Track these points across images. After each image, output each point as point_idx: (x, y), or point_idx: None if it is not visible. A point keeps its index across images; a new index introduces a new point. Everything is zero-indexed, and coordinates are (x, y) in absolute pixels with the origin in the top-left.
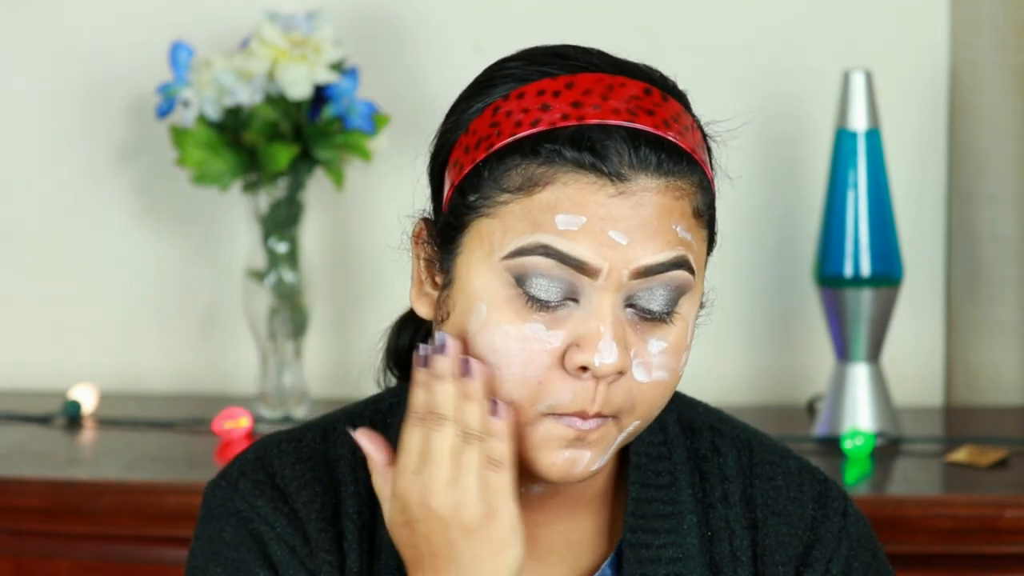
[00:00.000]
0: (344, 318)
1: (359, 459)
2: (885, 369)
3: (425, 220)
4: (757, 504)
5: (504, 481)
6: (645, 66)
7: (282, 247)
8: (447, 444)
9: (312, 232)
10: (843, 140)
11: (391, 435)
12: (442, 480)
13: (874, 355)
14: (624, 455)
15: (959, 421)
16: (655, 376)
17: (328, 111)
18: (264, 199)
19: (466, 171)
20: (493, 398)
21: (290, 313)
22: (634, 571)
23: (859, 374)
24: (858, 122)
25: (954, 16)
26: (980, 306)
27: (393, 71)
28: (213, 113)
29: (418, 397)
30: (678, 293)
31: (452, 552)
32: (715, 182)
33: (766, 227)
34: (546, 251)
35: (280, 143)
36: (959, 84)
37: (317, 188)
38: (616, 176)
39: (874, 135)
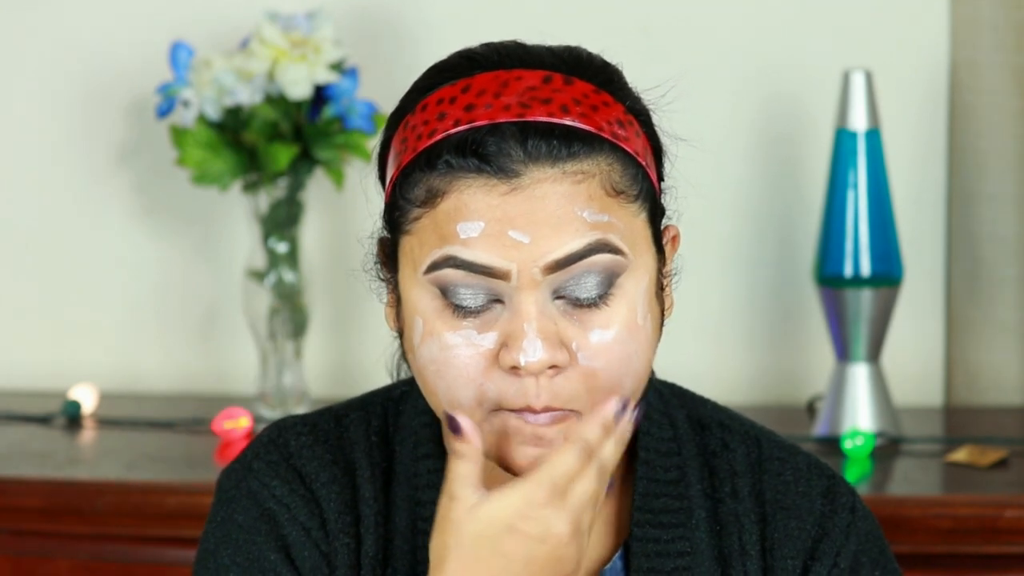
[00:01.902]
0: (344, 318)
1: (373, 444)
2: (885, 369)
3: (381, 240)
4: (766, 499)
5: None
6: (563, 49)
7: (282, 247)
8: (596, 494)
9: (312, 232)
10: (843, 140)
11: (403, 423)
12: (583, 523)
13: (874, 355)
14: (634, 451)
15: (959, 421)
16: (607, 361)
17: (328, 111)
18: (264, 199)
19: (388, 190)
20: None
21: (290, 313)
22: (642, 564)
23: (859, 374)
24: (858, 122)
25: (954, 16)
26: (980, 306)
27: (393, 71)
28: (213, 113)
29: (598, 436)
30: (610, 275)
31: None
32: (654, 152)
33: (766, 227)
34: (454, 263)
35: (280, 143)
36: (959, 84)
37: (317, 188)
38: (506, 173)
39: (874, 135)
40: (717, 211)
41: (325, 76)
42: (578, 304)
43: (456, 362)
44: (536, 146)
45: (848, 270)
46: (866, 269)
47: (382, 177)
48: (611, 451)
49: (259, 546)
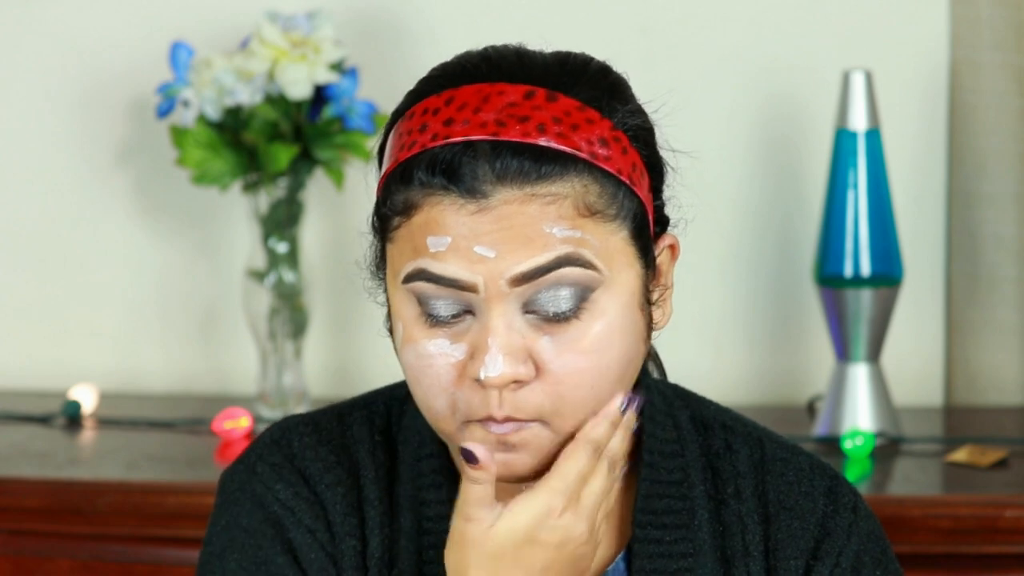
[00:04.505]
0: (344, 318)
1: (377, 443)
2: (885, 369)
3: (372, 242)
4: (769, 499)
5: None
6: (559, 57)
7: (282, 247)
8: (606, 490)
9: (312, 232)
10: (843, 140)
11: (406, 422)
12: (597, 520)
13: (874, 355)
14: (637, 452)
15: (959, 421)
16: (575, 375)
17: (328, 111)
18: (264, 199)
19: (377, 194)
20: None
21: (290, 313)
22: (644, 565)
23: (859, 374)
24: (858, 122)
25: (954, 16)
26: (980, 306)
27: (393, 71)
28: (213, 113)
29: (606, 433)
30: (583, 289)
31: None
32: (649, 168)
33: (766, 227)
34: (426, 276)
35: (280, 143)
36: (959, 84)
37: (317, 188)
38: (474, 194)
39: (874, 135)
40: (717, 211)
41: (325, 76)
42: (549, 319)
43: (430, 371)
44: (506, 167)
45: (848, 270)
46: (866, 269)
47: None
48: (618, 443)
49: (265, 550)
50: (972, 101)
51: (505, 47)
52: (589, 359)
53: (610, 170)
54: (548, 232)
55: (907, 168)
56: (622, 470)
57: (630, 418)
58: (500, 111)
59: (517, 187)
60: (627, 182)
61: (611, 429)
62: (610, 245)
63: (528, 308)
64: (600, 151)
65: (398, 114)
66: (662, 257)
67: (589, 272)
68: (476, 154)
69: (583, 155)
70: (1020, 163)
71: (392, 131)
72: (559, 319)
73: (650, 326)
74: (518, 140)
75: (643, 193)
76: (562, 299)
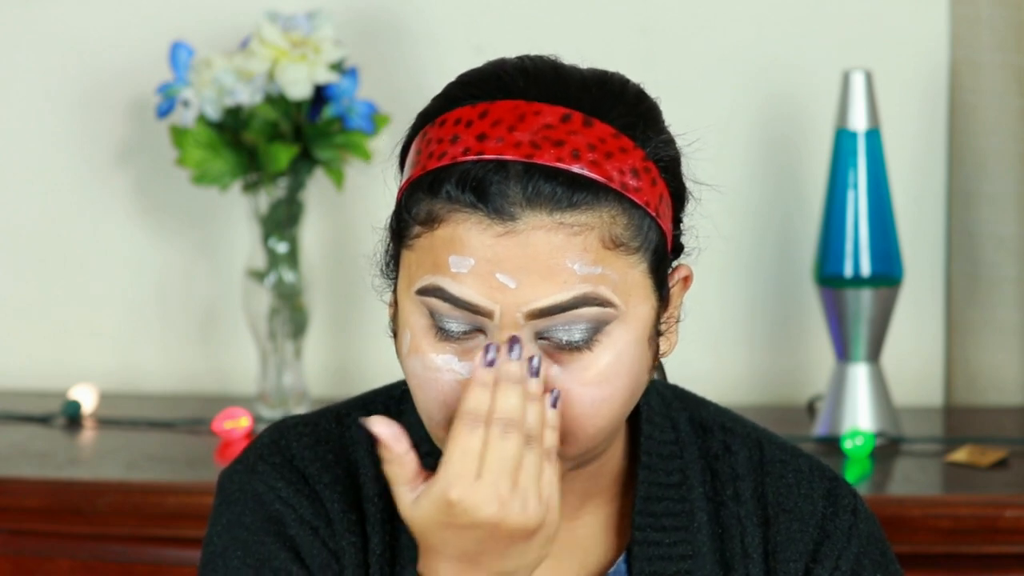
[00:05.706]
0: (344, 318)
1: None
2: (885, 369)
3: (386, 242)
4: (768, 501)
5: (556, 473)
6: (596, 77)
7: (282, 247)
8: (512, 451)
9: (312, 232)
10: (843, 140)
11: (404, 421)
12: (507, 489)
13: (874, 355)
14: (635, 454)
15: (959, 421)
16: (579, 405)
17: (328, 111)
18: (264, 199)
19: (398, 197)
20: (552, 388)
21: (290, 313)
22: (643, 568)
23: (859, 374)
24: (858, 122)
25: (954, 16)
26: (980, 306)
27: (393, 71)
28: (213, 113)
29: (479, 399)
30: (597, 323)
31: (507, 552)
32: (674, 197)
33: (766, 227)
34: (441, 294)
35: (280, 143)
36: (959, 84)
37: (317, 188)
38: (502, 215)
39: (874, 135)
40: (717, 211)
41: (325, 76)
42: (561, 347)
43: (435, 385)
44: (537, 191)
45: (848, 270)
46: (866, 269)
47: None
48: (534, 416)
49: (268, 547)
50: (972, 101)
51: (541, 59)
52: (594, 390)
53: (639, 202)
54: (570, 267)
55: (907, 168)
56: (551, 447)
57: (554, 415)
58: (535, 132)
59: (546, 213)
60: (653, 215)
61: (483, 393)
62: (629, 279)
63: (541, 336)
64: (631, 182)
65: (427, 117)
66: (675, 288)
67: (606, 309)
68: (508, 174)
69: (614, 185)
70: (1020, 163)
71: (418, 135)
72: (571, 348)
73: (656, 356)
74: (551, 164)
75: (666, 225)
76: (576, 331)
